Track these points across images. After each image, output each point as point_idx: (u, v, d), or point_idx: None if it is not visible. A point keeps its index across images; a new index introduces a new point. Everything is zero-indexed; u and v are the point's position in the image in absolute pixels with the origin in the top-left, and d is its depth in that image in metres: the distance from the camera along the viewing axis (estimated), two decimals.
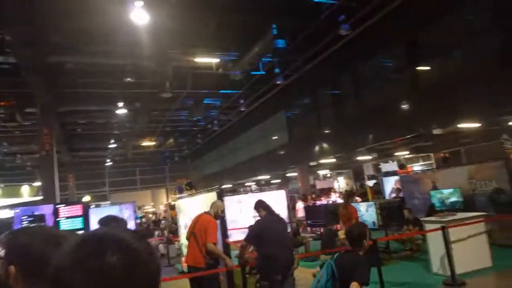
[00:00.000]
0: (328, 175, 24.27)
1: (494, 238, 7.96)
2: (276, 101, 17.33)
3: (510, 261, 6.83)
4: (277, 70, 13.69)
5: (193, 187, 9.32)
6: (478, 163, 9.76)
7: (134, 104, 16.20)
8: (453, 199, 9.58)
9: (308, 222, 11.94)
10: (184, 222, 8.58)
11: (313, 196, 17.08)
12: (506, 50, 8.54)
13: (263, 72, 14.04)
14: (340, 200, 15.40)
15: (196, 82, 14.31)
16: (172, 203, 16.70)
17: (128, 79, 12.90)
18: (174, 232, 11.83)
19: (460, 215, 7.16)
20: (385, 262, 7.65)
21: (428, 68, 11.16)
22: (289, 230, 10.13)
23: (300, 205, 14.44)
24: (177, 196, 9.42)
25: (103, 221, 2.95)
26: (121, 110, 16.64)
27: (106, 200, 27.73)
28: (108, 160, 28.44)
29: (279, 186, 20.29)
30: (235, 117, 20.17)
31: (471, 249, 6.54)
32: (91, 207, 12.13)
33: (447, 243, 6.01)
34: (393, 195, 13.05)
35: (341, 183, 24.14)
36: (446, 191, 9.77)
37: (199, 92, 16.08)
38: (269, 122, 19.28)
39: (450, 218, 6.75)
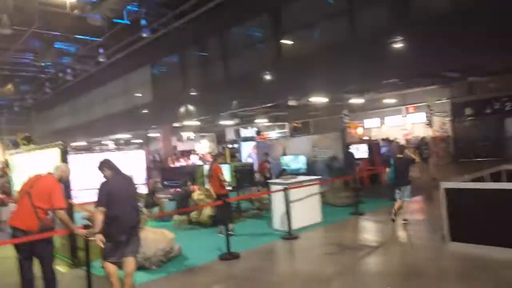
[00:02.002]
0: (192, 137, 24.42)
1: (326, 198, 9.35)
2: (141, 55, 16.25)
3: (335, 217, 8.12)
4: (143, 22, 12.75)
5: (31, 142, 8.13)
6: (321, 133, 11.13)
7: None
8: (298, 164, 10.81)
9: (165, 183, 11.90)
10: (20, 181, 7.50)
11: (174, 158, 17.00)
12: (350, 35, 9.73)
13: (128, 22, 12.92)
14: (200, 162, 15.75)
15: (45, 21, 12.32)
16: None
17: None
18: (8, 192, 10.27)
19: (300, 178, 8.11)
20: (235, 220, 8.20)
21: (290, 42, 11.94)
22: (147, 190, 9.94)
23: None
24: (12, 151, 8.12)
25: None
26: None
27: None
28: None
29: (139, 146, 19.51)
30: (93, 68, 18.23)
31: (306, 208, 7.53)
32: None
33: (287, 202, 6.76)
34: (249, 159, 13.95)
35: (203, 145, 24.61)
36: (294, 157, 10.95)
37: (48, 33, 13.93)
38: (133, 77, 18.07)
39: (292, 180, 7.57)
